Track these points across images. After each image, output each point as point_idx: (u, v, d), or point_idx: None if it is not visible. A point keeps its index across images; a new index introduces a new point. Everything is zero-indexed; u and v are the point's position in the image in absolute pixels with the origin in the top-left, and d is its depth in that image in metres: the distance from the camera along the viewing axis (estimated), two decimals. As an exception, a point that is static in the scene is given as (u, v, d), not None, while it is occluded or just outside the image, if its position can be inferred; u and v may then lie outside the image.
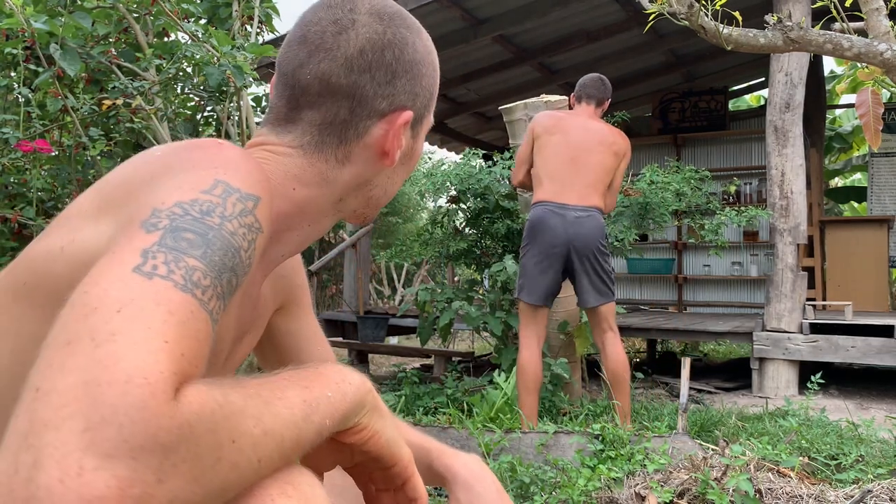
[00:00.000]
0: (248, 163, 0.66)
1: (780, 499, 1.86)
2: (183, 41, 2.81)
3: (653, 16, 2.17)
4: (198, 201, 0.59)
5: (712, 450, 2.23)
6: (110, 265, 0.51)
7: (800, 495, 1.87)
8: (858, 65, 4.18)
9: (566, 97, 3.45)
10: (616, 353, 3.18)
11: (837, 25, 2.12)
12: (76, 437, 0.41)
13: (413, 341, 7.88)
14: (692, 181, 4.41)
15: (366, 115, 0.79)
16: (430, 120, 0.87)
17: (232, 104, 2.86)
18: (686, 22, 2.11)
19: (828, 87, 9.09)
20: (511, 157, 4.20)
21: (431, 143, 8.92)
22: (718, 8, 2.08)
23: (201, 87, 2.73)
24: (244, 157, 0.67)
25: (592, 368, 3.28)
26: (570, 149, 3.24)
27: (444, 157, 5.11)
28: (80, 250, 0.64)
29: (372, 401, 0.66)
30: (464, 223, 4.80)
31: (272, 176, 0.77)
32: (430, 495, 1.96)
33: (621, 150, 3.31)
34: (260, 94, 3.18)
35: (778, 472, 2.01)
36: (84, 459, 0.40)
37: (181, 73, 2.74)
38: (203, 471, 0.45)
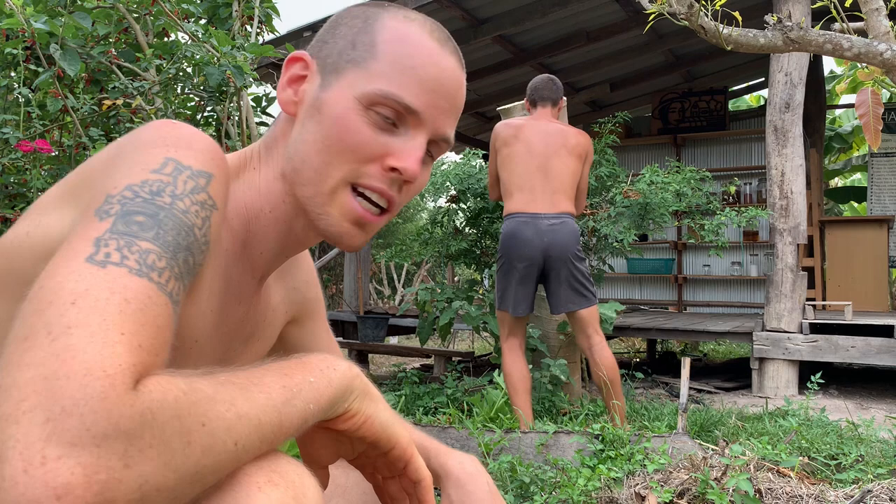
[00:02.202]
0: (200, 141, 0.65)
1: (779, 499, 1.86)
2: (183, 41, 2.81)
3: (653, 16, 2.17)
4: (148, 182, 0.58)
5: (712, 450, 2.23)
6: (65, 257, 0.51)
7: (800, 495, 1.87)
8: (858, 65, 4.18)
9: (564, 98, 3.45)
10: (605, 357, 3.16)
11: (837, 25, 2.12)
12: (38, 429, 0.41)
13: (413, 341, 7.88)
14: (692, 181, 4.41)
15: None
16: (357, 73, 0.74)
17: (232, 104, 2.86)
18: (686, 22, 2.11)
19: (828, 87, 9.10)
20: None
21: (431, 143, 8.90)
22: (718, 8, 2.08)
23: (201, 88, 2.73)
24: (197, 134, 0.66)
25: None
26: (535, 156, 3.21)
27: (443, 156, 5.11)
28: (43, 235, 0.64)
29: (361, 386, 0.65)
30: (464, 223, 4.80)
31: (248, 160, 0.78)
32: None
33: (583, 149, 3.28)
34: (260, 94, 3.18)
35: (778, 472, 2.01)
36: (47, 449, 0.41)
37: (181, 74, 2.74)
38: (173, 455, 0.45)
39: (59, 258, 0.51)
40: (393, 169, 0.73)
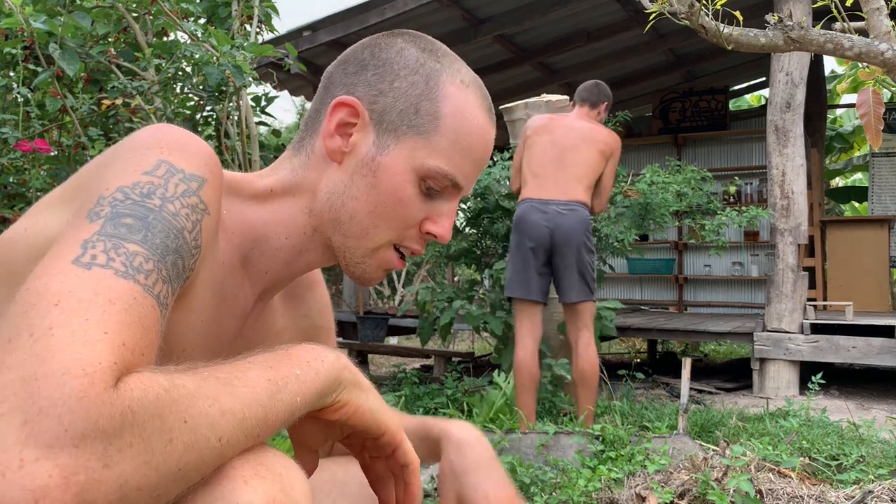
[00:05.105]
0: (195, 144, 0.65)
1: (780, 499, 1.86)
2: (182, 41, 2.80)
3: (653, 15, 2.16)
4: (139, 184, 0.58)
5: (713, 450, 2.22)
6: (52, 259, 0.51)
7: (801, 496, 1.86)
8: (859, 64, 4.17)
9: (566, 96, 3.49)
10: (588, 353, 3.17)
11: (838, 25, 2.11)
12: (15, 432, 0.41)
13: (413, 341, 7.87)
14: (693, 181, 4.40)
15: (326, 103, 0.78)
16: (418, 142, 0.76)
17: (231, 104, 2.86)
18: (686, 22, 2.10)
19: (829, 86, 9.08)
20: (510, 157, 4.20)
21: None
22: (719, 7, 2.07)
23: (200, 87, 2.72)
24: (193, 139, 0.66)
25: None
26: (555, 147, 3.27)
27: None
28: (39, 232, 0.65)
29: (350, 377, 0.65)
30: (464, 223, 4.79)
31: (265, 181, 0.78)
32: (426, 495, 1.96)
33: (609, 148, 3.31)
34: (259, 94, 3.18)
35: (779, 472, 2.01)
36: (24, 452, 0.41)
37: (180, 73, 2.74)
38: (153, 454, 0.45)
39: (46, 260, 0.51)
40: (429, 233, 0.79)
